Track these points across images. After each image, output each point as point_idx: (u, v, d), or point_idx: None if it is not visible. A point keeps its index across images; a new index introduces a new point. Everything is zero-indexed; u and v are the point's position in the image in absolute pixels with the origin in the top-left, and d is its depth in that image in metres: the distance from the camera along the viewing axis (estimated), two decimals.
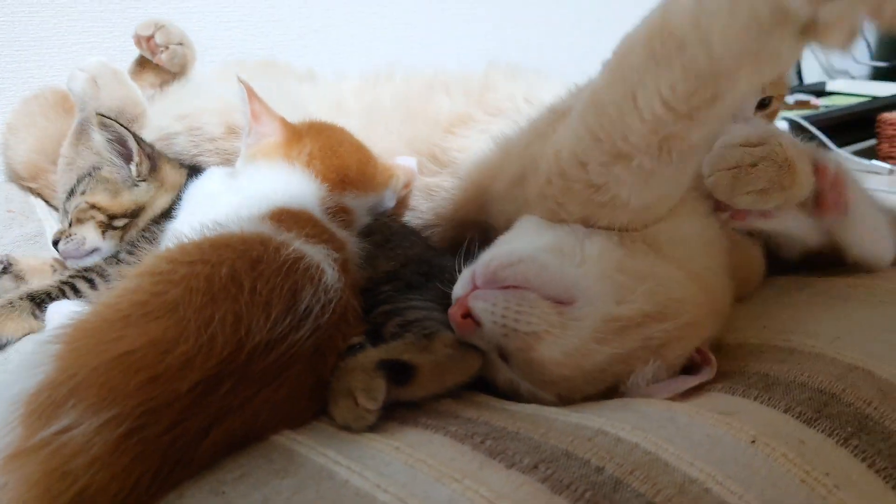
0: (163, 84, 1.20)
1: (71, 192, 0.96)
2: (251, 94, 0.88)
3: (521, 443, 0.53)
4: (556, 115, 0.75)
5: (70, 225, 0.92)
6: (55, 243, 0.91)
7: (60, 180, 1.11)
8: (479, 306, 0.59)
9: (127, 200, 0.91)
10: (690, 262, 0.64)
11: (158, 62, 1.18)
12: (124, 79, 1.07)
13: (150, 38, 1.16)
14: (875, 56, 2.74)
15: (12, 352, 0.77)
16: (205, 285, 0.59)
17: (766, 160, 0.67)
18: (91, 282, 0.83)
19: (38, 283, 0.85)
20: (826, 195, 0.73)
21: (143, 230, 0.89)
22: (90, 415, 0.52)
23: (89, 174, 0.95)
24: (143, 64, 1.22)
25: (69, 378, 0.54)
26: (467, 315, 0.59)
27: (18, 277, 0.90)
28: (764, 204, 0.68)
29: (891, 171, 1.82)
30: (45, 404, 0.53)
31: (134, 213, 0.91)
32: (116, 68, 1.07)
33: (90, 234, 0.90)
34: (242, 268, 0.61)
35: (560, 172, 0.64)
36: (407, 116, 1.00)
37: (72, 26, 1.33)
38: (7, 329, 0.77)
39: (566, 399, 0.59)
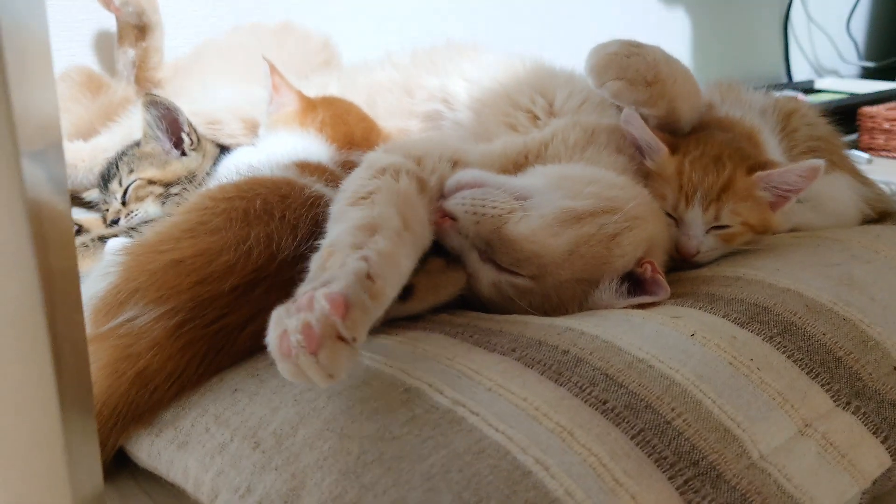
0: (137, 39, 1.24)
1: (108, 176, 1.05)
2: (273, 69, 1.00)
3: (502, 336, 0.65)
4: None
5: (124, 203, 1.01)
6: (115, 223, 1.00)
7: None
8: (451, 203, 0.71)
9: (178, 168, 1.02)
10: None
11: (115, 12, 1.21)
12: None
13: None
14: (863, 56, 2.86)
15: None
16: (242, 215, 0.71)
17: (638, 56, 0.82)
18: None
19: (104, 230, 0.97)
20: None
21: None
22: (151, 307, 0.64)
23: (124, 153, 1.06)
24: (120, 35, 1.26)
25: (133, 280, 0.65)
26: (445, 216, 0.71)
27: (86, 232, 1.01)
28: (629, 94, 0.81)
29: (869, 161, 1.92)
30: (112, 302, 0.65)
31: (189, 179, 1.01)
32: None
33: (151, 209, 1.00)
34: (273, 200, 0.73)
35: None
36: None
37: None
38: (82, 266, 0.88)
39: (542, 282, 0.70)
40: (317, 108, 1.01)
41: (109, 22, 1.28)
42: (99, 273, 0.68)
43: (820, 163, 0.80)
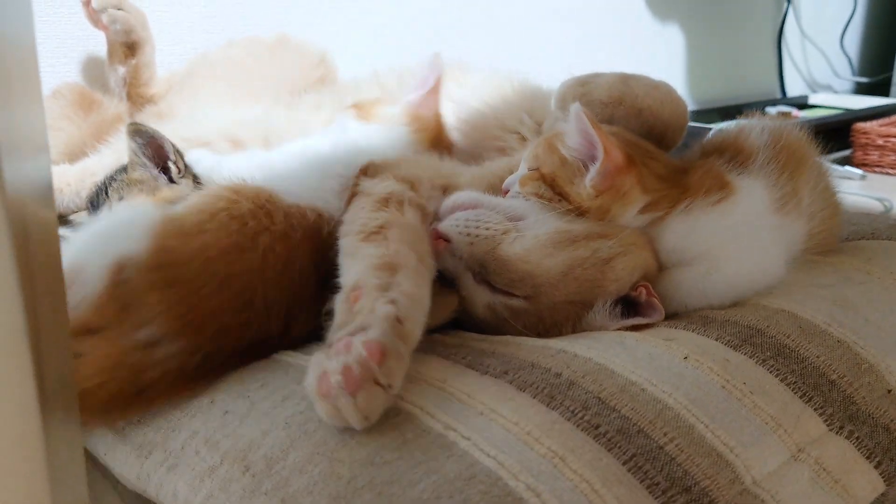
0: (126, 56, 1.21)
1: (97, 202, 1.01)
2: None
3: (495, 358, 0.64)
4: None
5: None
6: None
7: None
8: (446, 225, 0.72)
9: (169, 195, 1.00)
10: None
11: (103, 30, 1.19)
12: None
13: (87, 3, 1.18)
14: (857, 72, 2.87)
15: None
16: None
17: (591, 83, 0.87)
18: None
19: None
20: None
21: None
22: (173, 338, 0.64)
23: (112, 179, 1.04)
24: (110, 53, 1.24)
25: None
26: (439, 237, 0.72)
27: None
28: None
29: (862, 177, 1.93)
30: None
31: None
32: None
33: None
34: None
35: None
36: None
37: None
38: None
39: (536, 302, 0.70)
40: None
41: (104, 38, 1.27)
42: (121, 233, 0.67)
43: None
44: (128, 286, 0.63)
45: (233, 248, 0.67)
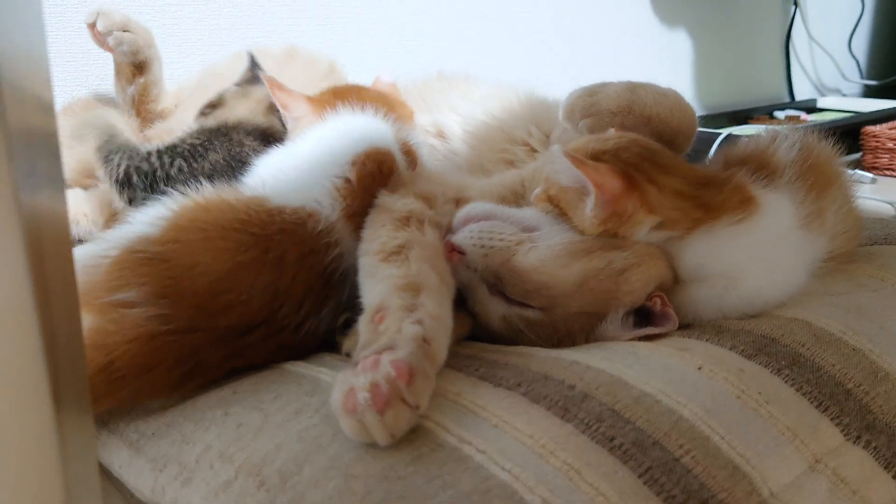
0: (134, 75, 1.20)
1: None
2: (272, 85, 0.95)
3: (508, 370, 0.64)
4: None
5: None
6: None
7: None
8: (460, 237, 0.72)
9: None
10: None
11: (110, 52, 1.17)
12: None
13: (93, 26, 1.15)
14: (865, 75, 2.86)
15: None
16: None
17: (599, 94, 0.87)
18: None
19: None
20: None
21: None
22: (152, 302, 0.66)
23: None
24: (117, 72, 1.22)
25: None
26: (453, 250, 0.72)
27: None
28: (600, 127, 0.83)
29: (873, 180, 1.92)
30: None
31: None
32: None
33: None
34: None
35: None
36: None
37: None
38: None
39: (551, 313, 0.70)
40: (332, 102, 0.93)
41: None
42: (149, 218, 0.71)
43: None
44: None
45: (219, 243, 0.70)
